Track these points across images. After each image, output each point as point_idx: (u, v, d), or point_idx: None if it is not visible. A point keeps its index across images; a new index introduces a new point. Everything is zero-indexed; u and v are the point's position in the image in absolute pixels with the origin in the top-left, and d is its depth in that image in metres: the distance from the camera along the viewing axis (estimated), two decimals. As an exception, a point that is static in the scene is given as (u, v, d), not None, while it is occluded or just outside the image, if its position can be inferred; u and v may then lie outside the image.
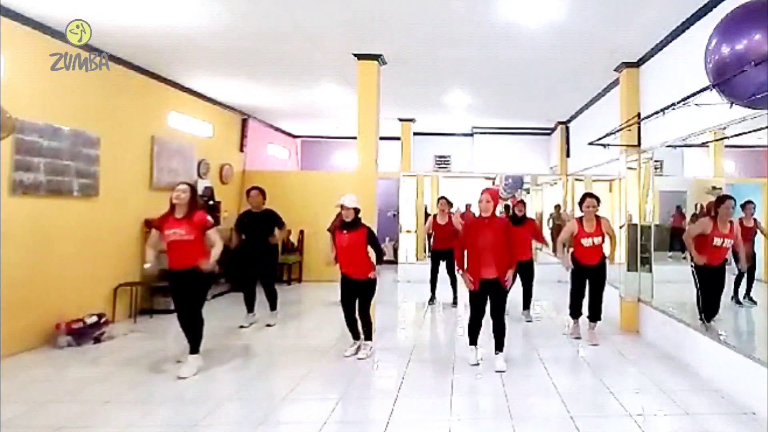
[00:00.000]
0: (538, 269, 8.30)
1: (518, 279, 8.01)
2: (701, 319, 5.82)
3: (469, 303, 5.80)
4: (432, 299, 9.17)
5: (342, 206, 5.88)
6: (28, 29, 5.95)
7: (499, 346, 5.72)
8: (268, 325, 7.38)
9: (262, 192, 7.41)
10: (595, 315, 6.75)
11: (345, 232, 5.88)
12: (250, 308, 7.37)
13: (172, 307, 6.68)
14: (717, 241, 5.72)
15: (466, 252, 5.72)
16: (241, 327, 7.08)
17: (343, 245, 5.90)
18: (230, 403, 4.73)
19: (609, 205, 10.16)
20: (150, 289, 7.85)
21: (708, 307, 5.80)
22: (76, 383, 5.06)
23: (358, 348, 6.02)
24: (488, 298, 5.62)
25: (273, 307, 7.57)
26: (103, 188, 7.12)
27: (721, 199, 5.84)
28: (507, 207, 12.91)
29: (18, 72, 5.81)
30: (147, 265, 5.41)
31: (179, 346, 6.13)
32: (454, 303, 9.02)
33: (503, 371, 5.49)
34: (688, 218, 7.60)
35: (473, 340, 5.73)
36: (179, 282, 5.41)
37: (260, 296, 7.40)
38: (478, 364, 5.55)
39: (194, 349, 5.48)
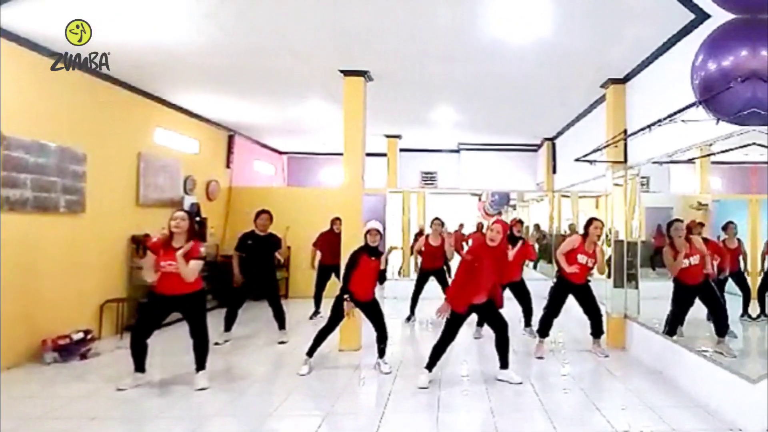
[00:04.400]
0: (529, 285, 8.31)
1: (513, 298, 8.00)
2: (665, 330, 6.14)
3: (444, 325, 5.70)
4: (410, 317, 9.10)
5: (372, 231, 6.02)
6: (15, 45, 5.92)
7: (503, 363, 5.76)
8: (281, 343, 7.35)
9: (271, 216, 7.55)
10: (597, 330, 6.88)
11: (373, 258, 6.01)
12: (228, 327, 7.34)
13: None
14: (685, 261, 5.92)
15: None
16: (216, 344, 6.79)
17: (369, 272, 6.00)
18: (217, 419, 4.68)
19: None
20: (137, 305, 7.70)
21: (674, 323, 6.06)
22: (63, 399, 5.00)
23: (311, 366, 6.00)
24: (469, 319, 5.76)
25: (282, 326, 7.56)
26: (90, 204, 7.06)
27: (671, 223, 6.12)
28: (480, 226, 12.82)
29: (4, 89, 5.76)
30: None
31: (166, 362, 6.11)
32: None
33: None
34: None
35: (431, 365, 5.65)
36: (166, 305, 5.41)
37: (256, 313, 7.38)
38: (426, 388, 5.44)
39: (202, 365, 5.46)
